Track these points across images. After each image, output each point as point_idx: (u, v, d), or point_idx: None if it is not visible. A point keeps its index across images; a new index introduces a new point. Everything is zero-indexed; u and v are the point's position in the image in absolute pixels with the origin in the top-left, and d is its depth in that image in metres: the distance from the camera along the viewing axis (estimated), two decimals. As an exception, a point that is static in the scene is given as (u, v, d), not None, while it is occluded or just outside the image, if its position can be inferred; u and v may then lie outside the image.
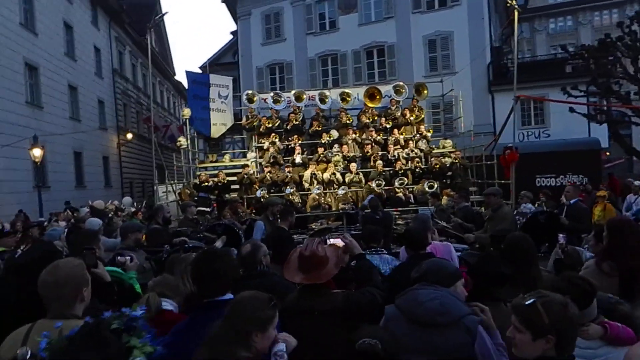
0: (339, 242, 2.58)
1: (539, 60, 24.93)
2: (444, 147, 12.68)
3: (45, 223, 8.70)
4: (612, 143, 18.75)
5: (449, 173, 10.72)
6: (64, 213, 10.61)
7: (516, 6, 9.81)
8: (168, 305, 2.55)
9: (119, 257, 3.09)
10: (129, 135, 22.77)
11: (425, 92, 12.95)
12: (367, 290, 2.31)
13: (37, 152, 13.50)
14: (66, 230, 6.35)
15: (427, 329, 2.05)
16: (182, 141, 12.09)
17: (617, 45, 14.93)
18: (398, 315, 2.16)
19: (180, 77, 33.64)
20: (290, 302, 2.12)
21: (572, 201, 6.22)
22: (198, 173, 11.55)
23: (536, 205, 8.90)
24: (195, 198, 9.45)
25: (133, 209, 11.82)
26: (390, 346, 1.73)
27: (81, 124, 18.48)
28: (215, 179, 10.81)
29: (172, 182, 11.53)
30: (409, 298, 2.16)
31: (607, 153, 21.52)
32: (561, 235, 3.91)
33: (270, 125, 12.31)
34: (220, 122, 13.10)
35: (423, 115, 12.94)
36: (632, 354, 1.29)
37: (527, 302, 1.56)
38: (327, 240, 2.40)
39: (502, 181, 9.90)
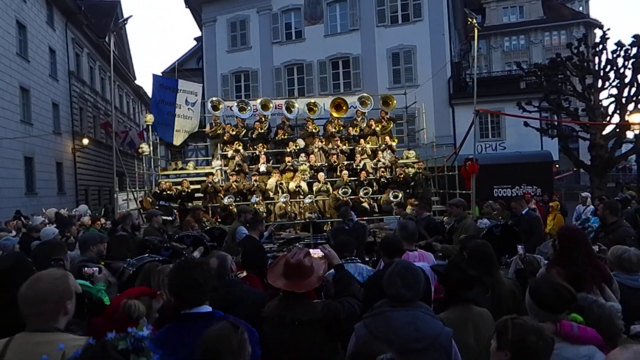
0: (318, 253, 2.59)
1: (495, 77, 26.10)
2: (407, 158, 12.99)
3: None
4: (562, 156, 19.87)
5: (412, 183, 10.98)
6: (13, 221, 10.01)
7: (476, 24, 10.29)
8: None
9: (85, 269, 2.92)
10: (85, 141, 21.81)
11: (394, 102, 13.27)
12: (345, 300, 2.34)
13: (-16, 157, 12.69)
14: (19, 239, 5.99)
15: (404, 355, 1.98)
16: (144, 148, 11.73)
17: (567, 64, 15.91)
18: (371, 338, 2.06)
19: (141, 81, 32.62)
20: (270, 312, 2.10)
21: (523, 212, 6.47)
22: (159, 181, 11.22)
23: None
24: (156, 207, 9.18)
25: (88, 217, 11.31)
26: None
27: (33, 128, 17.53)
28: (179, 187, 10.54)
29: (133, 189, 11.14)
30: (383, 322, 2.08)
31: (557, 165, 22.74)
32: (520, 246, 4.11)
33: (235, 133, 12.17)
34: (183, 129, 12.78)
35: (391, 127, 13.20)
36: (610, 358, 1.39)
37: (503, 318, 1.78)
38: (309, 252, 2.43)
39: (464, 191, 10.23)
